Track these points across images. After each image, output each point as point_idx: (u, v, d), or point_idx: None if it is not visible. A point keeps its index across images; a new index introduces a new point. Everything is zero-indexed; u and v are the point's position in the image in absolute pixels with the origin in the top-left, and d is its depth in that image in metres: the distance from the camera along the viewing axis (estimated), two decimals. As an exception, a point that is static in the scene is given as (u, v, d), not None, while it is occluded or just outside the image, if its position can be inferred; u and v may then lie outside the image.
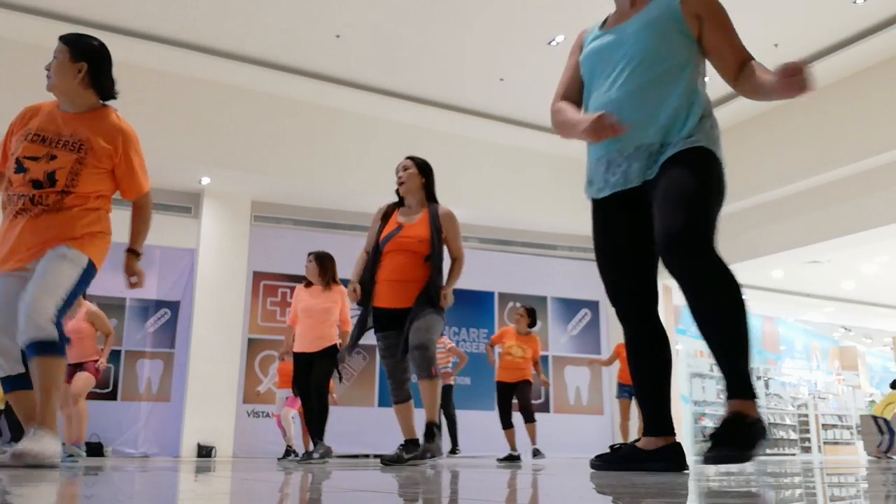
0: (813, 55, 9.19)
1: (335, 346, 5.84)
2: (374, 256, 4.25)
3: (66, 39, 3.17)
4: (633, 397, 8.29)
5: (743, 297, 2.25)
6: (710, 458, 2.12)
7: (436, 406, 4.05)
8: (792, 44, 8.97)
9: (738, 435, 2.11)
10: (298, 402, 7.99)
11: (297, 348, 5.88)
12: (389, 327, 4.17)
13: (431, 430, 4.05)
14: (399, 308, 4.13)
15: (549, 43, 8.90)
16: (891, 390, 12.10)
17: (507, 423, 7.53)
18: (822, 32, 8.76)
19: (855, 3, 8.15)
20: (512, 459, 7.23)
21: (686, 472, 2.34)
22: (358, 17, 8.44)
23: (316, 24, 8.60)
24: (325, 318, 5.86)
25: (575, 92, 2.82)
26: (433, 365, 4.00)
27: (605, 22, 2.77)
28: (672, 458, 2.41)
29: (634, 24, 2.56)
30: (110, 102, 3.26)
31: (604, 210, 2.60)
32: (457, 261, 4.32)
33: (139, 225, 3.32)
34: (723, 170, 2.45)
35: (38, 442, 2.69)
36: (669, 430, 2.48)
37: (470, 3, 8.19)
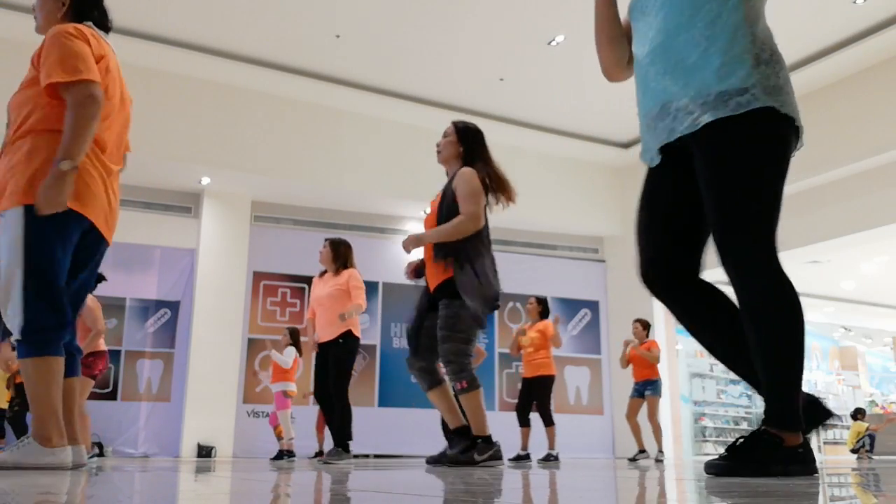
0: (813, 55, 9.19)
1: (349, 331, 5.43)
2: None
3: None
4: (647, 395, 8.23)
5: (795, 316, 1.95)
6: (708, 467, 1.93)
7: (477, 418, 3.70)
8: (792, 44, 8.97)
9: (748, 450, 1.91)
10: (290, 401, 7.96)
11: (319, 340, 5.60)
12: (424, 307, 3.91)
13: (475, 442, 3.71)
14: (433, 288, 3.85)
15: (549, 43, 8.90)
16: (853, 421, 12.69)
17: (521, 421, 7.51)
18: (822, 32, 8.76)
19: (855, 3, 8.15)
20: (520, 459, 7.21)
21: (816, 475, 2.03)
22: (358, 17, 8.44)
23: (316, 24, 8.60)
24: (333, 304, 5.49)
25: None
26: (460, 379, 3.66)
27: None
28: (808, 459, 1.98)
29: None
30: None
31: (652, 176, 2.23)
32: (457, 218, 3.77)
33: (67, 123, 2.50)
34: (781, 138, 2.01)
35: (15, 453, 2.47)
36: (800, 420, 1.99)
37: (470, 4, 8.19)
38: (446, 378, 3.92)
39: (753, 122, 1.96)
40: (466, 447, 3.73)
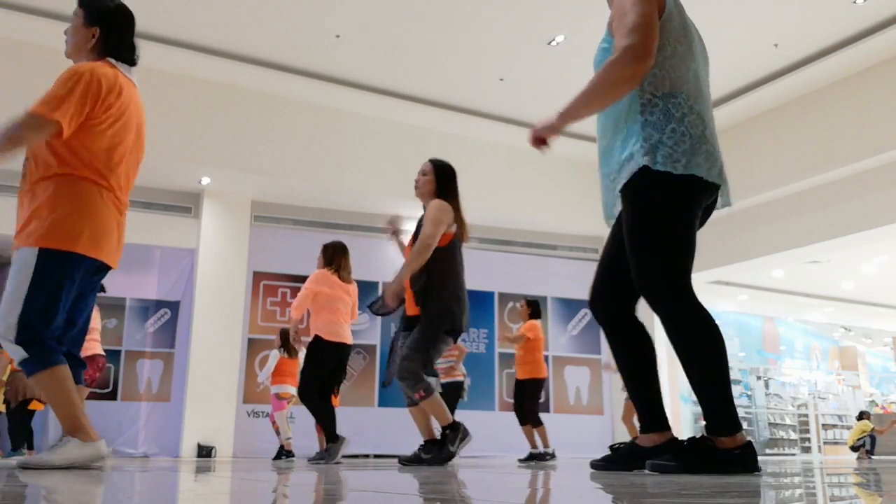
0: (813, 55, 9.19)
1: (315, 336, 5.51)
2: None
3: (82, 1, 2.99)
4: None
5: (714, 337, 2.23)
6: (650, 466, 2.23)
7: (439, 414, 4.06)
8: (792, 44, 8.97)
9: (686, 452, 2.21)
10: (285, 402, 7.99)
11: None
12: (405, 329, 4.25)
13: (444, 432, 4.06)
14: (411, 315, 4.19)
15: (549, 43, 8.90)
16: (858, 422, 12.88)
17: (520, 421, 7.54)
18: (822, 32, 8.76)
19: (855, 3, 8.15)
20: (532, 458, 7.21)
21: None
22: (358, 17, 8.44)
23: (316, 24, 8.60)
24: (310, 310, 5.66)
25: None
26: (417, 391, 4.00)
27: None
28: (747, 459, 2.33)
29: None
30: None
31: (616, 222, 2.64)
32: (415, 246, 4.09)
33: (5, 127, 2.65)
34: (663, 189, 2.29)
35: (61, 451, 2.64)
36: (664, 425, 2.50)
37: (470, 3, 8.19)
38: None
39: (636, 184, 2.31)
40: (440, 446, 4.05)
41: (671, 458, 2.21)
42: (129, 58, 2.99)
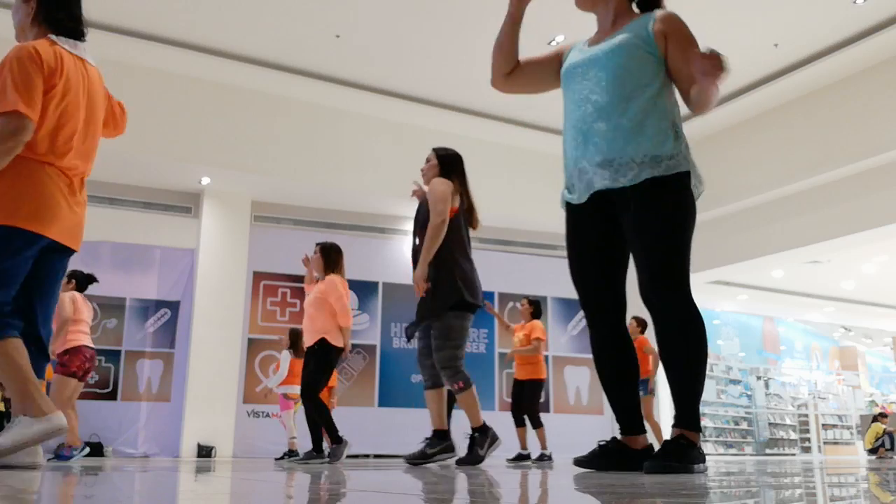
0: (813, 55, 9.19)
1: (323, 339, 5.42)
2: None
3: None
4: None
5: (706, 343, 2.44)
6: (649, 467, 2.32)
7: (473, 412, 4.05)
8: (792, 44, 8.98)
9: (678, 453, 2.37)
10: (292, 402, 7.98)
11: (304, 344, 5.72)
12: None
13: (473, 436, 4.04)
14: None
15: (549, 43, 8.90)
16: (873, 423, 13.16)
17: (516, 421, 7.53)
18: (822, 32, 8.76)
19: (855, 3, 8.15)
20: (521, 459, 7.19)
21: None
22: (358, 17, 8.45)
23: (316, 24, 8.61)
24: (313, 310, 5.51)
25: (529, 64, 2.95)
26: (456, 381, 3.98)
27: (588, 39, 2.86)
28: (704, 455, 2.58)
29: (610, 44, 2.65)
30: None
31: (577, 217, 2.78)
32: (429, 230, 4.03)
33: None
34: (692, 192, 2.55)
35: (12, 433, 2.53)
36: (642, 429, 2.68)
37: (470, 4, 8.19)
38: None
39: (678, 182, 2.49)
40: (469, 446, 3.99)
41: (661, 459, 2.36)
42: (75, 29, 2.84)
